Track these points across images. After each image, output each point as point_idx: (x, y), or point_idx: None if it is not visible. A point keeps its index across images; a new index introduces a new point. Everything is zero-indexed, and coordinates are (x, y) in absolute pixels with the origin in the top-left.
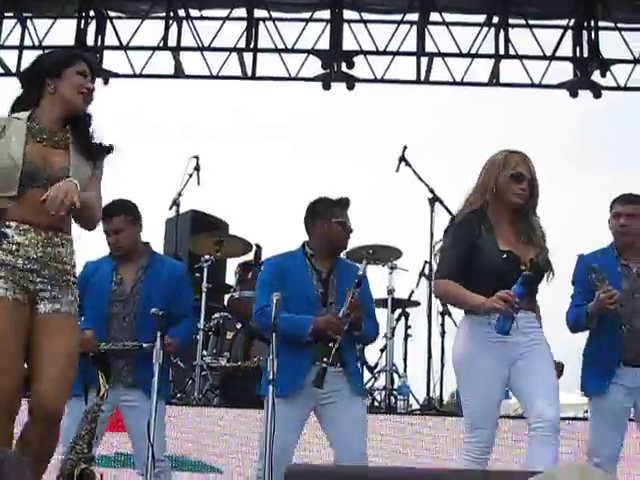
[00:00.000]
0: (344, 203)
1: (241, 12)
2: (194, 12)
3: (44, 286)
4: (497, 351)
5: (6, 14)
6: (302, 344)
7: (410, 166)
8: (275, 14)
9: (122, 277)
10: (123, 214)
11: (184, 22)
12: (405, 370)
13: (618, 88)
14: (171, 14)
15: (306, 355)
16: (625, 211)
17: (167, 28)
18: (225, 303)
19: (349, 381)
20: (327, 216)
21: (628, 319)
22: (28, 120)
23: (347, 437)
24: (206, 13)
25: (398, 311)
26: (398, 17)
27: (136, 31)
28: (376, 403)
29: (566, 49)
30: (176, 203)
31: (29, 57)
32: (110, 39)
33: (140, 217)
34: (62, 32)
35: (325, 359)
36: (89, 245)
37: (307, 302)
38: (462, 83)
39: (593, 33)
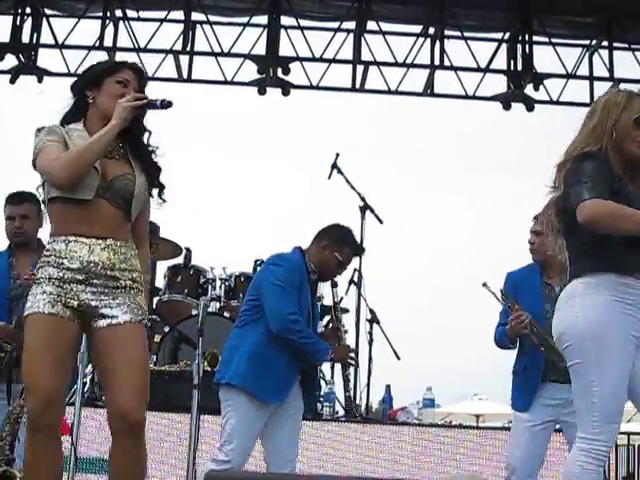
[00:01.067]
0: (358, 250)
1: (178, 14)
2: (131, 13)
3: (95, 297)
4: (633, 324)
5: None
6: (299, 359)
7: (342, 173)
8: (212, 18)
9: (17, 273)
10: (32, 202)
11: (121, 22)
12: (332, 377)
13: (551, 102)
14: (108, 14)
15: (297, 367)
16: (532, 228)
17: (103, 28)
18: (154, 306)
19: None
20: (338, 248)
21: (547, 339)
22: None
23: (282, 446)
24: (143, 14)
25: (326, 318)
26: (335, 25)
27: (72, 30)
28: None
29: (500, 62)
30: None
31: None
32: (46, 37)
33: (43, 212)
34: None
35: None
36: None
37: (307, 316)
38: (397, 92)
39: (527, 47)
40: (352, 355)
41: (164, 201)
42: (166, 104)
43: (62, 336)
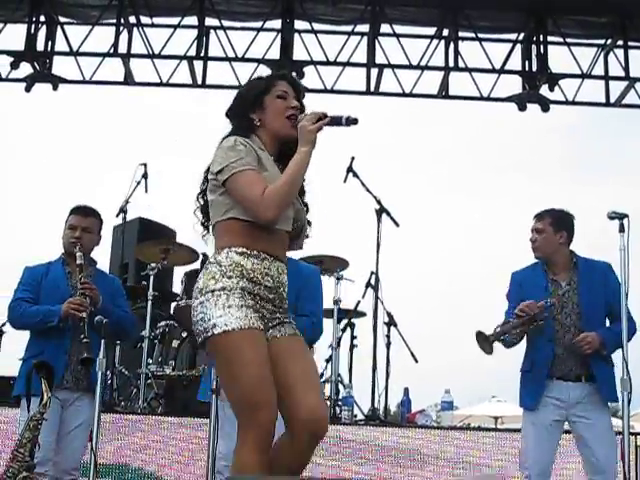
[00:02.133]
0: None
1: (192, 20)
2: (145, 19)
3: (274, 315)
4: None
5: None
6: None
7: (358, 177)
8: (226, 23)
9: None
10: (97, 218)
11: (135, 29)
12: (350, 381)
13: (566, 102)
14: (122, 21)
15: None
16: (533, 226)
17: (117, 35)
18: (171, 311)
19: None
20: None
21: (559, 335)
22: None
23: None
24: (157, 21)
25: (344, 322)
26: (349, 28)
27: (86, 37)
28: None
29: (515, 63)
30: (123, 210)
31: None
32: (60, 45)
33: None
34: (12, 37)
35: None
36: None
37: None
38: (412, 95)
39: (542, 47)
40: None
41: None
42: (352, 121)
43: (266, 350)
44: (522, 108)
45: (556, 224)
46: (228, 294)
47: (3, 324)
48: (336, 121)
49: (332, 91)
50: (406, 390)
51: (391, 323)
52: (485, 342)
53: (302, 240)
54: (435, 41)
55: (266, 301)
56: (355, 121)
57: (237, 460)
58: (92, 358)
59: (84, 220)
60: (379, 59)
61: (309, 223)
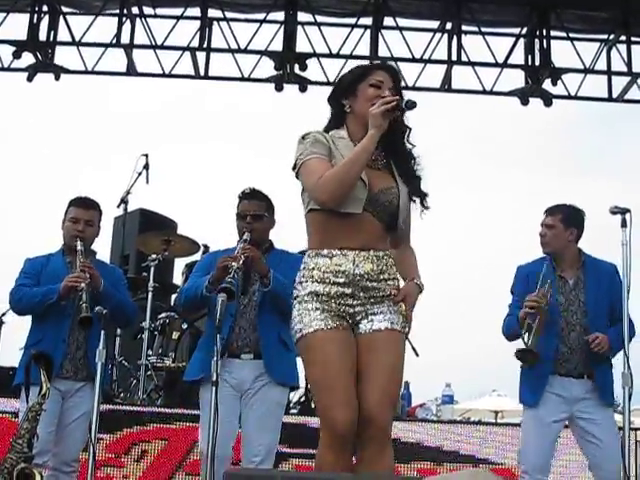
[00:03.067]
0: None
1: (195, 11)
2: (148, 10)
3: (361, 307)
4: None
5: None
6: None
7: None
8: (229, 14)
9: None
10: (98, 211)
11: (137, 20)
12: None
13: (569, 97)
14: (124, 11)
15: None
16: (543, 221)
17: (120, 25)
18: (172, 303)
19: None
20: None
21: (565, 333)
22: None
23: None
24: (160, 11)
25: None
26: (352, 20)
27: (89, 27)
28: None
29: (518, 57)
30: (124, 201)
31: None
32: (63, 35)
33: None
34: (14, 26)
35: None
36: None
37: None
38: (414, 88)
39: (545, 42)
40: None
41: (427, 208)
42: (410, 104)
43: (347, 346)
44: (525, 102)
45: (567, 220)
46: (300, 301)
47: (3, 314)
48: (398, 106)
49: (335, 84)
50: (407, 384)
51: None
52: (530, 354)
53: (401, 228)
54: (438, 34)
55: (342, 297)
56: (414, 104)
57: (316, 459)
58: (90, 317)
59: (86, 213)
60: (382, 52)
61: (422, 204)
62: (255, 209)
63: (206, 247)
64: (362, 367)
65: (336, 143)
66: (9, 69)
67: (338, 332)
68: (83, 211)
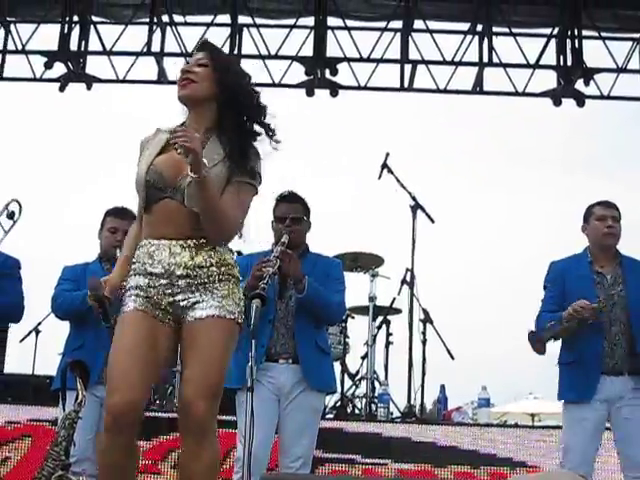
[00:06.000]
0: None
1: (225, 18)
2: (178, 18)
3: (183, 296)
4: None
5: None
6: None
7: (392, 173)
8: (259, 20)
9: None
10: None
11: (168, 28)
12: (386, 378)
13: (602, 97)
14: (155, 20)
15: None
16: (610, 214)
17: (151, 34)
18: None
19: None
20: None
21: (606, 328)
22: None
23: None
24: (190, 19)
25: (379, 318)
26: (382, 24)
27: (120, 36)
28: (357, 410)
29: (550, 57)
30: None
31: (12, 61)
32: (93, 44)
33: None
34: (46, 37)
35: None
36: None
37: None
38: (446, 91)
39: (577, 42)
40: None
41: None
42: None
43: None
44: (557, 103)
45: (620, 216)
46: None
47: (39, 323)
48: None
49: (366, 88)
50: (442, 387)
51: (427, 320)
52: (539, 343)
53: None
54: (469, 36)
55: (160, 287)
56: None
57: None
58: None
59: (123, 223)
60: (412, 55)
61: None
62: (294, 211)
63: (239, 253)
64: (184, 358)
65: (156, 136)
66: (41, 79)
67: (145, 317)
68: (121, 221)
